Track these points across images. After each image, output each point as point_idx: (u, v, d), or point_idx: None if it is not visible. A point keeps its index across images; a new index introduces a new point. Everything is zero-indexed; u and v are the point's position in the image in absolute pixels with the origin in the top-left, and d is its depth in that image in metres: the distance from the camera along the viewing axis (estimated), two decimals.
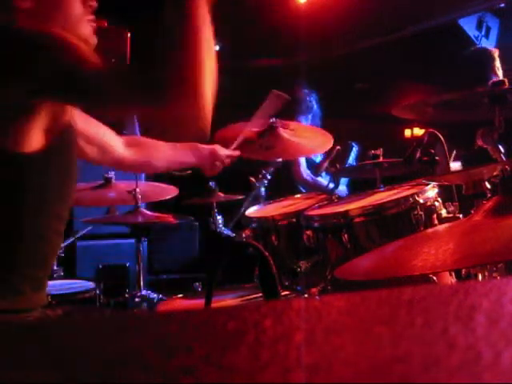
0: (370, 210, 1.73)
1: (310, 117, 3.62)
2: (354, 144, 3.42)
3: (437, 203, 1.70)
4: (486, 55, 3.10)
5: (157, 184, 2.49)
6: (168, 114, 1.11)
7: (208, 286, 1.15)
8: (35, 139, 1.15)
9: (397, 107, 1.74)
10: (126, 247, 3.51)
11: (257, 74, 5.45)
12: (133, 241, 2.66)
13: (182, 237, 4.11)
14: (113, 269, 3.34)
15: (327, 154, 2.66)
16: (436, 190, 1.74)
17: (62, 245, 2.47)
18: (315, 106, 3.70)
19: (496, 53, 3.03)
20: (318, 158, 3.43)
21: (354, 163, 3.29)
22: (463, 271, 1.51)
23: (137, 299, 2.24)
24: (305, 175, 3.37)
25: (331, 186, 2.70)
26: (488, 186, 1.43)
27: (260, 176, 2.48)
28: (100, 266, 3.05)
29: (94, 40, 1.29)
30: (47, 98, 1.14)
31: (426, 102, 1.73)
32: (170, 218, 2.46)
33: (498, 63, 2.99)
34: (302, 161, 3.45)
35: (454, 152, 2.30)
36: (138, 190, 2.19)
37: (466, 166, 1.94)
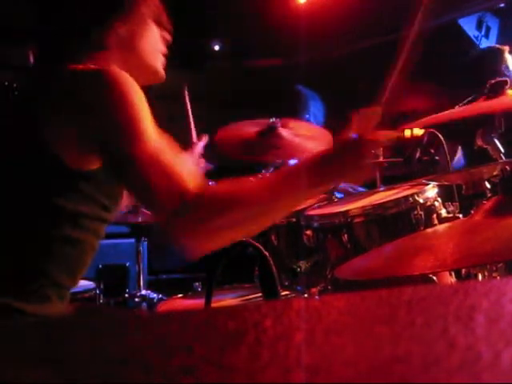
0: (370, 210, 1.73)
1: (311, 116, 3.62)
2: None
3: (437, 203, 1.70)
4: (499, 52, 3.13)
5: None
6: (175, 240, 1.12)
7: (208, 286, 1.15)
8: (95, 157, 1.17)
9: (407, 126, 1.73)
10: (125, 247, 3.51)
11: (257, 74, 5.45)
12: (133, 241, 2.66)
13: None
14: (113, 269, 3.34)
15: None
16: (436, 190, 1.74)
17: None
18: (317, 105, 3.69)
19: (507, 50, 3.04)
20: None
21: None
22: (463, 271, 1.51)
23: (137, 299, 2.24)
24: None
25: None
26: (488, 185, 1.43)
27: (260, 176, 2.48)
28: (100, 266, 3.05)
29: (163, 74, 1.34)
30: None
31: (434, 120, 1.72)
32: None
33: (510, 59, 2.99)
34: None
35: (459, 149, 2.29)
36: None
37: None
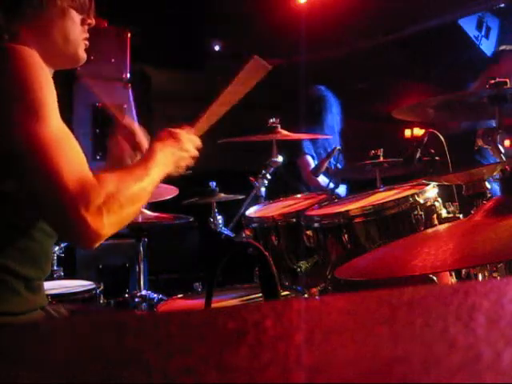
0: (370, 210, 1.73)
1: (329, 118, 3.58)
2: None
3: (437, 203, 1.70)
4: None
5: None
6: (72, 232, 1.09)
7: (208, 286, 1.15)
8: None
9: (397, 109, 1.74)
10: (125, 247, 3.51)
11: None
12: (133, 241, 2.66)
13: (182, 237, 4.11)
14: (113, 269, 3.34)
15: (327, 155, 2.66)
16: (436, 190, 1.74)
17: (62, 245, 2.47)
18: (332, 105, 3.66)
19: None
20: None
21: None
22: (463, 271, 1.51)
23: (137, 299, 2.24)
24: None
25: (331, 185, 2.69)
26: (488, 186, 1.43)
27: (260, 176, 2.48)
28: (100, 266, 3.06)
29: (84, 57, 1.32)
30: None
31: (426, 103, 1.73)
32: (169, 218, 2.46)
33: None
34: (310, 161, 3.43)
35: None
36: None
37: None
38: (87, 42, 1.33)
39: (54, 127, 1.07)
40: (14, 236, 1.19)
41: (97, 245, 1.09)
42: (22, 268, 1.20)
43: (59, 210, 1.04)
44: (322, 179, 3.25)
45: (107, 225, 1.07)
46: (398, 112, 1.76)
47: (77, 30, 1.30)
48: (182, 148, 1.37)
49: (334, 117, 3.60)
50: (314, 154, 3.49)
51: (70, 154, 1.07)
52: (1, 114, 1.07)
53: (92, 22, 1.34)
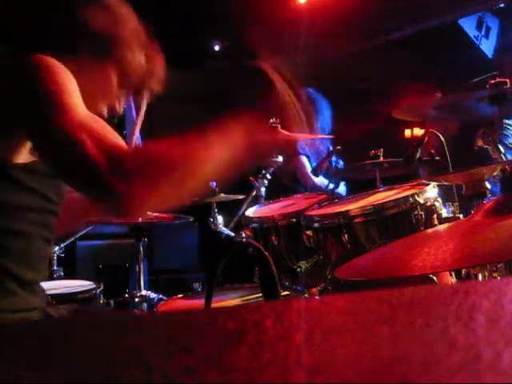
0: (370, 210, 1.73)
1: (320, 120, 3.57)
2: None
3: (437, 203, 1.70)
4: None
5: None
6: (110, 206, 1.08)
7: (208, 286, 1.14)
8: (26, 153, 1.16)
9: (397, 109, 1.74)
10: (125, 247, 3.51)
11: (257, 74, 5.44)
12: (133, 241, 2.66)
13: (182, 237, 4.11)
14: (113, 269, 3.34)
15: (327, 155, 2.66)
16: (436, 190, 1.74)
17: (62, 245, 2.47)
18: (323, 108, 3.65)
19: None
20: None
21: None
22: (463, 271, 1.51)
23: (137, 299, 2.24)
24: (311, 176, 3.35)
25: (331, 186, 2.69)
26: (488, 186, 1.43)
27: (260, 176, 2.48)
28: (100, 266, 3.05)
29: (105, 114, 1.32)
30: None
31: (425, 103, 1.73)
32: (169, 218, 2.45)
33: None
34: (305, 161, 3.44)
35: None
36: None
37: None
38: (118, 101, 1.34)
39: (81, 112, 1.07)
40: (13, 240, 1.20)
41: (136, 213, 1.08)
42: (20, 270, 1.21)
43: (88, 180, 1.03)
44: (321, 180, 3.25)
45: (142, 191, 1.03)
46: (398, 112, 1.76)
47: (113, 91, 1.31)
48: (268, 145, 1.26)
49: (324, 119, 3.60)
50: (309, 154, 3.49)
51: (96, 128, 1.05)
52: (31, 113, 1.08)
53: (124, 98, 1.36)
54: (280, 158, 2.50)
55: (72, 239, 2.65)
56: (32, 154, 1.17)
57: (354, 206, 1.82)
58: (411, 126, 4.84)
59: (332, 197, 2.22)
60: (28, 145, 1.16)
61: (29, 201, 1.18)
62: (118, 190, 1.00)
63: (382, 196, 1.91)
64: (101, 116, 1.18)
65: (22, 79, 1.10)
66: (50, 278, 2.21)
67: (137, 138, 1.53)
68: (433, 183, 1.74)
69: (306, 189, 3.32)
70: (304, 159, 3.44)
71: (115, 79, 1.31)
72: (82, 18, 1.23)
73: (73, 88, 1.10)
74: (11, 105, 1.11)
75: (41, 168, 1.18)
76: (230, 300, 1.66)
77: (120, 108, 1.37)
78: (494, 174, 1.39)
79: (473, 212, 1.29)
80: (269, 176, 2.49)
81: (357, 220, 1.72)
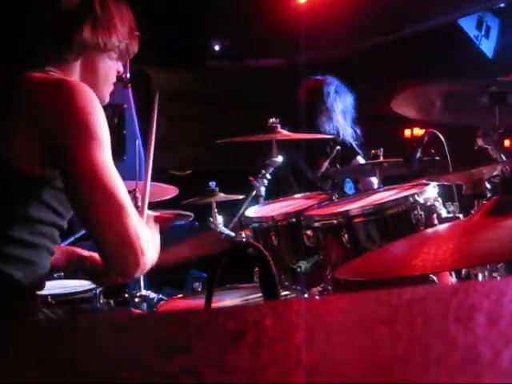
0: (370, 210, 1.73)
1: (337, 115, 3.15)
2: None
3: (437, 203, 1.70)
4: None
5: (157, 184, 2.49)
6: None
7: (208, 286, 1.14)
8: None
9: (394, 101, 1.73)
10: None
11: (257, 74, 5.45)
12: None
13: (182, 236, 4.10)
14: None
15: (327, 155, 2.65)
16: (436, 190, 1.74)
17: (62, 244, 2.47)
18: (343, 95, 3.22)
19: None
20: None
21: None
22: (463, 271, 1.51)
23: (137, 299, 2.24)
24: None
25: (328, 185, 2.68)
26: (488, 186, 1.43)
27: (260, 176, 2.48)
28: None
29: (106, 101, 1.38)
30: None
31: (423, 91, 1.72)
32: (169, 218, 2.45)
33: None
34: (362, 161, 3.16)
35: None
36: (137, 190, 2.19)
37: None
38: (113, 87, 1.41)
39: (111, 160, 1.16)
40: (22, 250, 1.21)
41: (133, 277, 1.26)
42: (24, 280, 1.22)
43: (123, 246, 1.14)
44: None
45: (149, 263, 1.20)
46: (395, 104, 1.75)
47: (113, 73, 1.37)
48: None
49: (346, 107, 3.25)
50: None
51: (120, 181, 1.16)
52: (65, 141, 1.14)
53: (121, 70, 1.41)
54: (280, 158, 2.50)
55: (72, 239, 2.65)
56: (51, 168, 1.19)
57: (354, 206, 1.82)
58: (411, 125, 4.84)
59: (332, 197, 2.22)
60: (45, 156, 1.18)
61: (42, 214, 1.20)
62: (140, 265, 1.16)
63: (382, 196, 1.91)
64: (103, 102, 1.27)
65: (63, 105, 1.14)
66: (50, 277, 2.21)
67: (153, 142, 1.56)
68: (433, 183, 1.74)
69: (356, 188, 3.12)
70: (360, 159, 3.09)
71: (114, 65, 1.36)
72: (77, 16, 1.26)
73: (105, 125, 1.18)
74: (50, 129, 1.14)
75: (58, 182, 1.20)
76: (229, 300, 1.66)
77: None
78: (494, 173, 1.39)
79: (473, 212, 1.29)
80: (269, 176, 2.49)
81: (357, 220, 1.72)
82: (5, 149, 1.15)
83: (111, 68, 1.36)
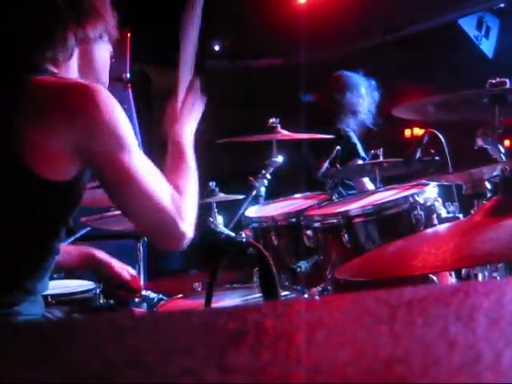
0: (370, 210, 1.73)
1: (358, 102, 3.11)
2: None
3: (437, 203, 1.70)
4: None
5: None
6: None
7: (208, 286, 1.14)
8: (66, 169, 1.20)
9: (396, 108, 1.74)
10: (125, 247, 3.51)
11: (257, 74, 5.45)
12: (133, 241, 2.65)
13: None
14: None
15: (327, 154, 2.65)
16: (436, 190, 1.74)
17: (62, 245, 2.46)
18: (362, 90, 3.16)
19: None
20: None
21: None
22: (463, 271, 1.51)
23: (137, 299, 2.24)
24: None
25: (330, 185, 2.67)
26: (488, 186, 1.43)
27: (260, 176, 2.48)
28: None
29: (106, 84, 1.37)
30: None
31: (426, 102, 1.73)
32: None
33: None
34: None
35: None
36: None
37: None
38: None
39: (142, 157, 1.22)
40: (38, 255, 1.22)
41: (183, 246, 1.29)
42: (29, 281, 1.22)
43: (163, 226, 1.23)
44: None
45: (191, 226, 1.27)
46: (397, 110, 1.76)
47: (108, 55, 1.38)
48: (191, 116, 1.50)
49: (367, 101, 3.15)
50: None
51: (158, 176, 1.24)
52: (97, 150, 1.17)
53: (112, 50, 1.40)
54: (280, 158, 2.50)
55: (72, 239, 2.65)
56: (69, 170, 1.19)
57: (353, 206, 1.82)
58: (411, 125, 4.84)
59: (332, 197, 2.22)
60: (71, 163, 1.18)
61: (55, 215, 1.21)
62: (184, 235, 1.25)
63: (382, 196, 1.91)
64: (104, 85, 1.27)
65: (88, 111, 1.15)
66: (50, 277, 2.21)
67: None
68: (433, 183, 1.74)
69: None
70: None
71: (107, 46, 1.36)
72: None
73: (129, 126, 1.22)
74: (75, 133, 1.15)
75: (71, 184, 1.20)
76: (229, 300, 1.66)
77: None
78: (494, 173, 1.39)
79: (473, 212, 1.29)
80: (269, 176, 2.49)
81: (357, 220, 1.72)
82: (18, 155, 1.14)
83: (105, 51, 1.36)
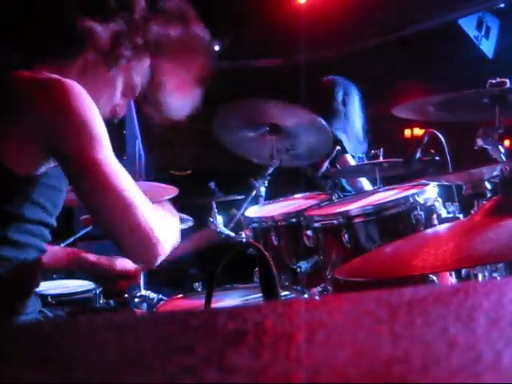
0: (370, 210, 1.73)
1: (349, 106, 3.15)
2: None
3: (437, 203, 1.70)
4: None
5: (157, 184, 2.49)
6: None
7: (208, 286, 1.14)
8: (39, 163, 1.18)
9: (397, 107, 1.74)
10: None
11: (257, 74, 5.45)
12: None
13: (182, 236, 4.10)
14: None
15: (327, 154, 2.65)
16: (436, 190, 1.74)
17: (62, 245, 2.47)
18: (353, 95, 3.20)
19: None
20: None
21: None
22: (463, 271, 1.51)
23: (137, 299, 2.24)
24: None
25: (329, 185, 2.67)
26: (488, 186, 1.43)
27: (260, 176, 2.48)
28: None
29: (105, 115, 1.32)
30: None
31: (426, 101, 1.73)
32: None
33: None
34: (351, 160, 3.17)
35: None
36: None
37: None
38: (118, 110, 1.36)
39: (112, 155, 1.15)
40: (10, 249, 1.20)
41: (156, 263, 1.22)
42: (15, 280, 1.21)
43: (136, 232, 1.14)
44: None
45: (166, 243, 1.20)
46: (397, 110, 1.76)
47: (114, 91, 1.32)
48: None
49: (356, 107, 3.20)
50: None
51: (132, 181, 1.17)
52: (65, 143, 1.12)
53: (131, 97, 1.36)
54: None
55: (72, 239, 2.65)
56: (42, 165, 1.18)
57: (353, 206, 1.82)
58: (411, 125, 4.84)
59: (331, 197, 2.22)
60: (39, 157, 1.17)
61: (30, 212, 1.19)
62: (158, 247, 1.17)
63: (382, 196, 1.91)
64: (103, 117, 1.19)
65: (58, 104, 1.12)
66: (50, 277, 2.21)
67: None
68: (433, 183, 1.74)
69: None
70: (349, 158, 3.08)
71: (120, 85, 1.31)
72: (87, 24, 1.21)
73: (102, 123, 1.16)
74: (45, 126, 1.12)
75: (46, 180, 1.19)
76: (229, 300, 1.66)
77: (121, 112, 1.37)
78: (494, 173, 1.39)
79: (473, 212, 1.29)
80: (269, 176, 2.49)
81: (357, 220, 1.72)
82: None
83: (115, 83, 1.30)
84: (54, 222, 1.28)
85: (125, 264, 1.61)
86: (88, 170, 1.11)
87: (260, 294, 1.08)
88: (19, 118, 1.13)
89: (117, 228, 1.15)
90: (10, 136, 1.14)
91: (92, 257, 1.57)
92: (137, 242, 1.15)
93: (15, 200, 1.17)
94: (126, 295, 2.27)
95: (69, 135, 1.12)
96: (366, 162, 2.93)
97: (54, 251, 1.52)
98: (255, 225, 2.15)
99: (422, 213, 1.67)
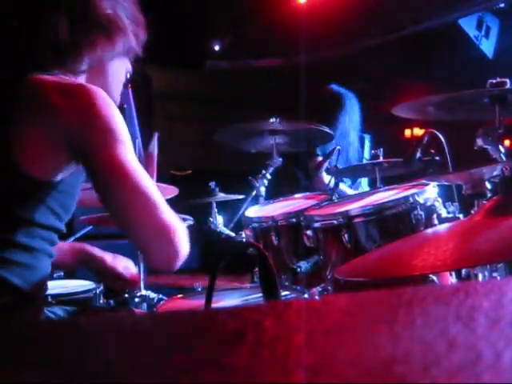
0: (370, 210, 1.73)
1: (346, 117, 3.21)
2: (365, 136, 3.30)
3: (437, 203, 1.70)
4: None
5: (157, 184, 2.49)
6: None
7: (208, 286, 1.14)
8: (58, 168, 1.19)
9: (396, 107, 1.74)
10: (125, 247, 3.50)
11: (257, 74, 5.45)
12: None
13: None
14: None
15: (327, 154, 2.65)
16: (436, 190, 1.74)
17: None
18: (353, 105, 3.27)
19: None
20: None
21: (369, 156, 3.12)
22: (463, 271, 1.51)
23: (137, 299, 2.24)
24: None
25: (332, 182, 2.67)
26: (488, 186, 1.43)
27: (260, 176, 2.48)
28: None
29: (117, 102, 1.37)
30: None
31: (426, 101, 1.73)
32: None
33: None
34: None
35: None
36: None
37: None
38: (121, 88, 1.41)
39: (134, 156, 1.18)
40: (22, 254, 1.20)
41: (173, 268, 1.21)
42: (24, 285, 1.21)
43: (159, 231, 1.14)
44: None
45: (186, 243, 1.19)
46: (397, 110, 1.76)
47: (122, 74, 1.38)
48: None
49: (353, 114, 3.26)
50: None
51: (152, 182, 1.20)
52: (91, 146, 1.15)
53: (131, 69, 1.41)
54: (280, 158, 2.50)
55: (72, 239, 2.65)
56: (61, 171, 1.19)
57: (353, 206, 1.82)
58: (411, 125, 4.85)
59: (332, 197, 2.22)
60: (62, 162, 1.18)
61: (41, 217, 1.20)
62: (180, 247, 1.16)
63: (382, 196, 1.91)
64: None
65: (84, 111, 1.15)
66: (50, 277, 2.21)
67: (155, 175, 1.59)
68: (433, 183, 1.74)
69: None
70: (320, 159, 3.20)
71: (123, 63, 1.36)
72: (95, 11, 1.25)
73: (126, 126, 1.20)
74: (71, 132, 1.15)
75: (62, 186, 1.20)
76: (229, 300, 1.66)
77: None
78: (494, 173, 1.39)
79: (473, 212, 1.29)
80: (269, 176, 2.49)
81: (357, 220, 1.72)
82: (12, 152, 1.14)
83: (120, 67, 1.36)
84: (63, 227, 1.29)
85: (127, 265, 1.62)
86: (113, 171, 1.13)
87: (260, 294, 1.08)
88: (44, 124, 1.15)
89: (140, 229, 1.15)
90: (33, 141, 1.15)
91: (97, 251, 1.58)
92: (160, 242, 1.15)
93: (29, 205, 1.18)
94: (126, 295, 2.27)
95: (94, 138, 1.15)
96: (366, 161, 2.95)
97: (60, 246, 1.52)
98: (255, 225, 2.15)
99: (422, 213, 1.67)
